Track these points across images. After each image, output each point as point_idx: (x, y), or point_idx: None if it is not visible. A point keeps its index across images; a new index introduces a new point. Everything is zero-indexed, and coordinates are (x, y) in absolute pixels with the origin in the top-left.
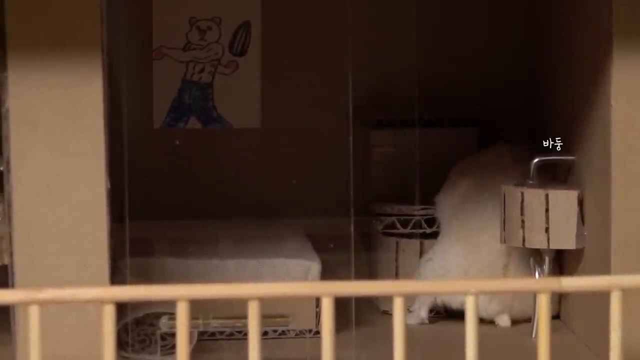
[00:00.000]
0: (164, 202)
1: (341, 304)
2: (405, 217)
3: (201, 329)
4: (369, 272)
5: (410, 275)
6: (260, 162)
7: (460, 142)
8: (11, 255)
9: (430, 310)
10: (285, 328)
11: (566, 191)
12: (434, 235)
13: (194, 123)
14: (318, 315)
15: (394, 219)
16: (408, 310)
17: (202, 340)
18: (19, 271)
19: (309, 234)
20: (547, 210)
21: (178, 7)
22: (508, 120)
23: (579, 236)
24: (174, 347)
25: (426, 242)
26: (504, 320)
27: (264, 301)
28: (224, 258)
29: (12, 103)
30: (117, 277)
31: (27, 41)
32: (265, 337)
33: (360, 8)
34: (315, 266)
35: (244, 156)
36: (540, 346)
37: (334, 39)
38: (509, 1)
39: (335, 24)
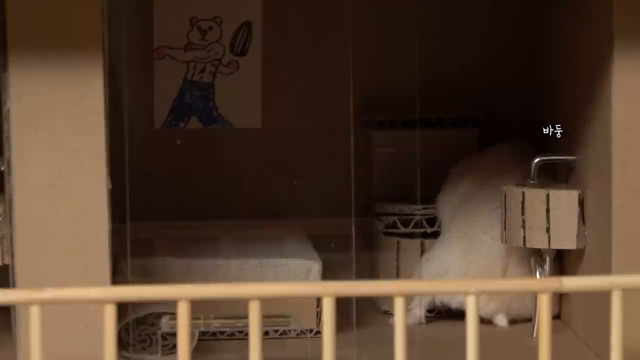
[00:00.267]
0: (165, 202)
1: (342, 304)
2: (406, 217)
3: (202, 329)
4: (370, 272)
5: (411, 274)
6: (261, 162)
7: (461, 142)
8: (12, 255)
9: (430, 310)
10: (286, 328)
11: (567, 191)
12: (435, 234)
13: (194, 123)
14: (319, 315)
15: (395, 218)
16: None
17: (203, 340)
18: (20, 271)
19: (310, 234)
20: (548, 210)
21: (179, 7)
22: (509, 120)
23: (580, 236)
24: (174, 347)
25: (427, 241)
26: (501, 320)
27: (265, 301)
28: (225, 258)
29: (13, 103)
30: (118, 277)
31: (28, 41)
32: (266, 337)
33: (361, 8)
34: (316, 266)
35: (244, 156)
36: (541, 346)
37: (335, 39)
38: (510, 1)
39: (336, 25)
